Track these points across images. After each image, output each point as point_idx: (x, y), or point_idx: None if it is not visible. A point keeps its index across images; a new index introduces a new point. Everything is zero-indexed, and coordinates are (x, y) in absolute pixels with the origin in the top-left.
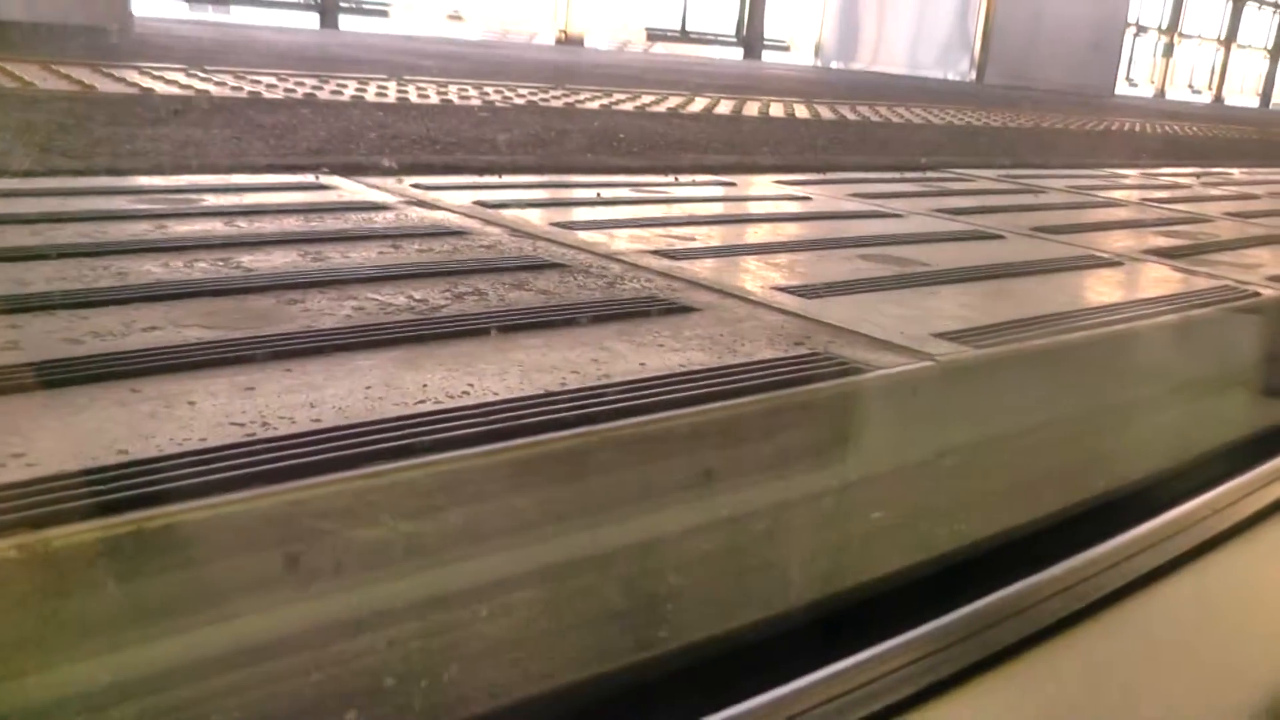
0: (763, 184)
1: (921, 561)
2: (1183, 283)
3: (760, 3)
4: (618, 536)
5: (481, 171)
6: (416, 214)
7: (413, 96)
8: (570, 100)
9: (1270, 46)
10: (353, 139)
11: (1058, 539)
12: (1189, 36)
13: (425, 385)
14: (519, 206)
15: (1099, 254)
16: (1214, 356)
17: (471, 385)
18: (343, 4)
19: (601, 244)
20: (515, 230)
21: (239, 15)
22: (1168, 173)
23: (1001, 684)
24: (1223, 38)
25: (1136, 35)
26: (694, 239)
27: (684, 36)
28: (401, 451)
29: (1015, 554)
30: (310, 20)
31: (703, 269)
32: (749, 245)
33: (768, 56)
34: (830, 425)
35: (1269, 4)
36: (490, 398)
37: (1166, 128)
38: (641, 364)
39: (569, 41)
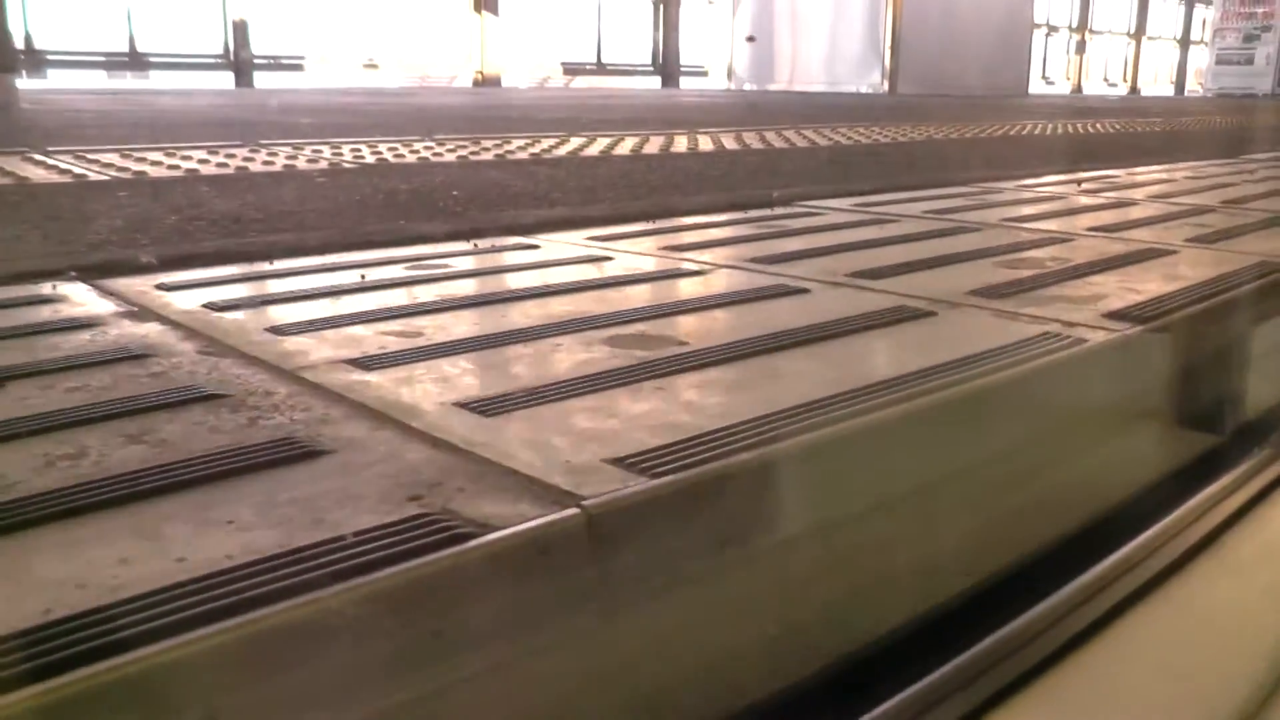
0: (569, 244)
1: None
2: (997, 334)
3: (674, 31)
4: None
5: (256, 256)
6: (116, 332)
7: (255, 165)
8: (429, 153)
9: (1179, 37)
10: (148, 225)
11: None
12: (1099, 32)
13: None
14: (251, 305)
15: (914, 302)
16: (1005, 441)
17: None
18: (258, 60)
19: (299, 353)
20: (211, 344)
21: (158, 80)
22: (1046, 182)
23: None
24: (1132, 31)
25: (1048, 35)
26: (421, 333)
27: (600, 69)
28: None
29: None
30: (226, 80)
31: (389, 382)
32: (478, 338)
33: (686, 83)
34: (398, 631)
35: None
36: None
37: (1069, 127)
38: (180, 560)
39: (486, 82)
